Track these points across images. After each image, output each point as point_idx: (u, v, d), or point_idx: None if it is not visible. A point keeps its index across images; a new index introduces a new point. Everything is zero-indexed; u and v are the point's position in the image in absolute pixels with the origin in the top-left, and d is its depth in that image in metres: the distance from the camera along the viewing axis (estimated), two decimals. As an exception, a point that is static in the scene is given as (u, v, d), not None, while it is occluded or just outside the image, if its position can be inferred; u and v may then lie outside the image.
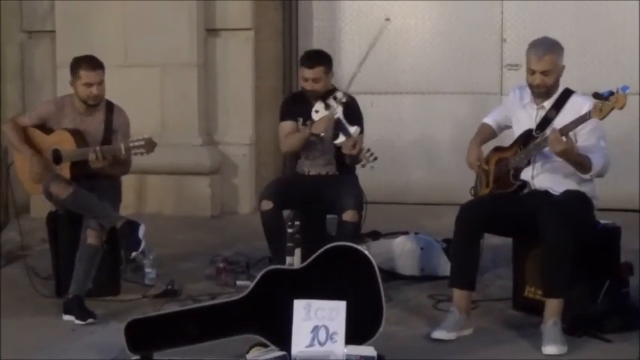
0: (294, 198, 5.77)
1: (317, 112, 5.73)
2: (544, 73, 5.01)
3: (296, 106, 5.97)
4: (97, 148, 5.48)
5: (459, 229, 5.06)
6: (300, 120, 5.89)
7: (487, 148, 5.47)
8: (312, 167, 5.94)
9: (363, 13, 8.41)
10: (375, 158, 5.38)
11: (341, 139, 5.57)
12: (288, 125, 5.94)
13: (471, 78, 8.30)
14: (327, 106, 5.69)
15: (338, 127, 5.59)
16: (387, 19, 5.67)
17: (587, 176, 5.00)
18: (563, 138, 4.78)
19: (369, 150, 5.42)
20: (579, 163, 4.93)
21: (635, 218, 6.91)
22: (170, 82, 8.01)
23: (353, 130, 5.58)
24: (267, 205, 5.70)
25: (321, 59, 5.92)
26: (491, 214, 5.08)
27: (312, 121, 5.76)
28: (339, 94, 5.68)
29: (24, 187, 5.94)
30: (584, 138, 4.97)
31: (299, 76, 6.07)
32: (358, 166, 5.82)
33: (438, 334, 4.92)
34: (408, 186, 8.37)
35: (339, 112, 5.63)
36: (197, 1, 7.94)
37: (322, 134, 5.69)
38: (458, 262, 5.11)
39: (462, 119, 8.02)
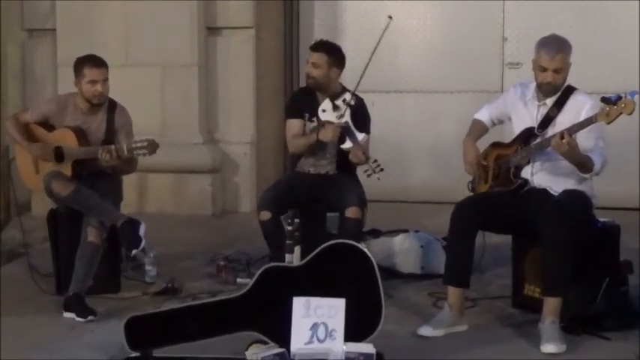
0: (294, 199, 5.73)
1: (324, 111, 5.66)
2: (556, 71, 4.98)
3: (303, 101, 5.93)
4: (112, 146, 5.46)
5: (453, 226, 5.05)
6: (307, 116, 5.85)
7: (481, 142, 5.45)
8: (312, 166, 5.92)
9: (364, 11, 8.42)
10: (382, 169, 5.27)
11: (348, 144, 5.52)
12: (295, 125, 5.90)
13: (472, 77, 8.31)
14: (335, 107, 5.62)
15: (345, 132, 5.55)
16: (390, 17, 5.61)
17: (587, 175, 4.98)
18: (566, 139, 4.73)
19: (375, 161, 5.30)
20: (582, 163, 4.91)
21: (634, 216, 6.91)
22: (171, 81, 8.02)
23: (361, 137, 5.54)
24: (266, 215, 5.69)
25: (325, 47, 5.91)
26: (488, 212, 5.07)
27: (320, 125, 5.70)
28: (347, 96, 5.62)
29: (25, 182, 5.94)
30: (583, 137, 4.91)
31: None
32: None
33: (424, 331, 4.93)
34: (409, 185, 8.37)
35: (347, 116, 5.57)
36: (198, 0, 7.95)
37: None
38: (452, 260, 5.10)
39: (463, 118, 7.89)
